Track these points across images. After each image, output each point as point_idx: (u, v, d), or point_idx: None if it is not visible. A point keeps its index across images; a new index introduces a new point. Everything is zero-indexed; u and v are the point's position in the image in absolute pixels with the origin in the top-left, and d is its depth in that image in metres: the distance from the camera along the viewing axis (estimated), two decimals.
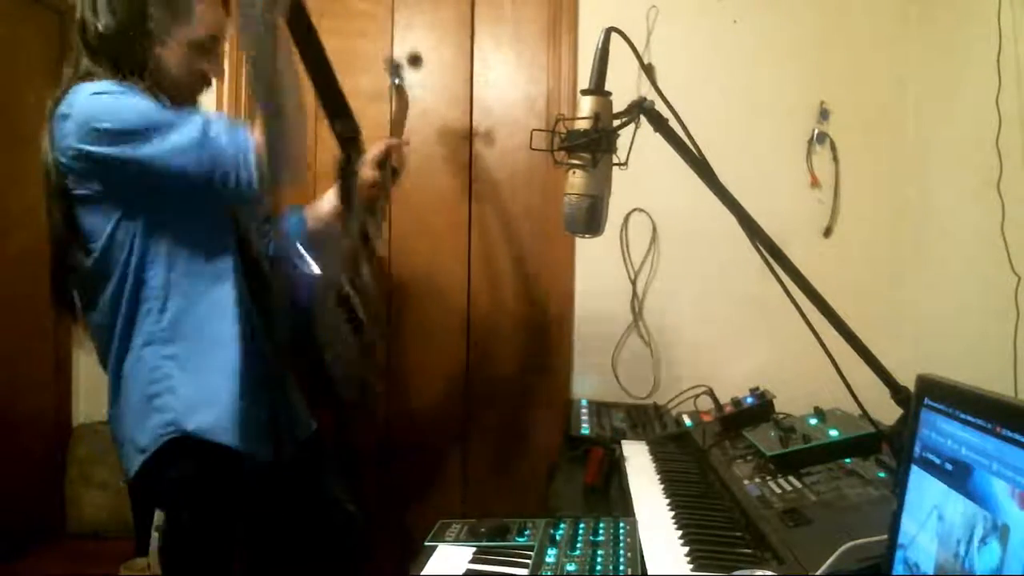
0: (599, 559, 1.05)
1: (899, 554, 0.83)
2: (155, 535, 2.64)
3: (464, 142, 2.43)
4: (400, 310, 2.47)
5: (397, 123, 1.78)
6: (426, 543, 1.15)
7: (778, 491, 1.27)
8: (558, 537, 1.13)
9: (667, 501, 1.33)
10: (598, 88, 1.18)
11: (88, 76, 1.29)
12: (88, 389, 3.42)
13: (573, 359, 2.35)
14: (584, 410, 2.01)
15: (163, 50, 1.33)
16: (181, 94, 1.38)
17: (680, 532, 1.17)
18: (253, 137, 1.26)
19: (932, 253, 2.13)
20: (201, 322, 1.35)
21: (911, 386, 0.90)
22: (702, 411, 1.91)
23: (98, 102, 1.25)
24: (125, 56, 1.30)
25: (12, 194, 3.04)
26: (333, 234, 1.62)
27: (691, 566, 1.05)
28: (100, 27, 1.29)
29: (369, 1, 2.43)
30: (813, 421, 1.54)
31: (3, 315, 3.01)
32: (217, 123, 1.27)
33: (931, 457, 0.80)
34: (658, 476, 1.49)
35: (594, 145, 1.16)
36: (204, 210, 1.36)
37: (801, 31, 2.24)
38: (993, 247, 1.73)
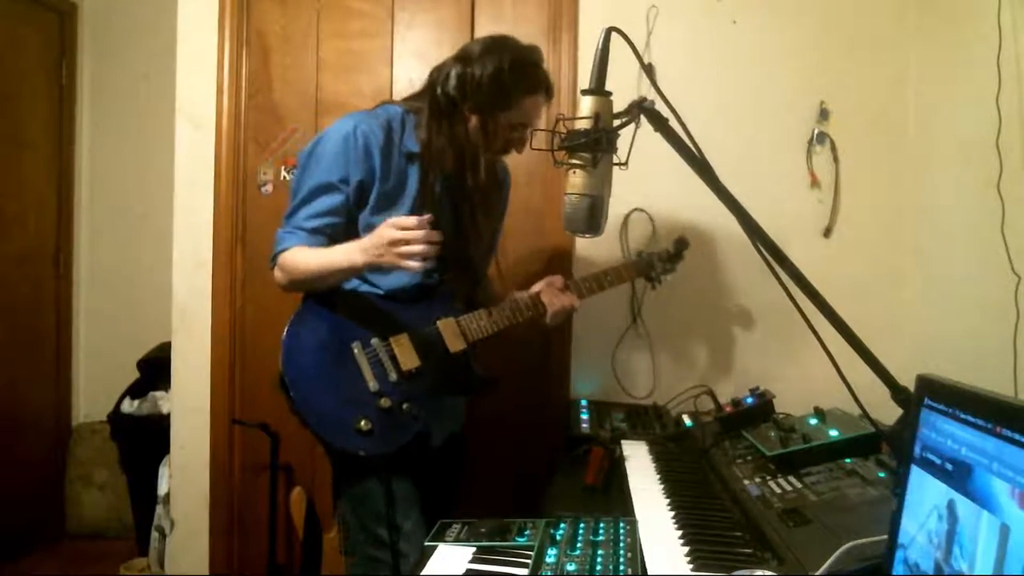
0: (599, 559, 1.05)
1: (899, 554, 0.83)
2: (155, 535, 2.64)
3: None
4: None
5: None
6: (426, 543, 1.15)
7: (778, 491, 1.27)
8: (558, 537, 1.13)
9: (667, 501, 1.33)
10: (598, 88, 1.18)
11: (413, 112, 1.65)
12: (88, 389, 3.42)
13: (573, 359, 2.35)
14: (584, 410, 2.01)
15: (480, 120, 1.60)
16: (491, 153, 1.67)
17: (680, 532, 1.17)
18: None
19: (932, 253, 2.13)
20: None
21: (911, 386, 0.90)
22: (702, 411, 1.91)
23: None
24: (457, 119, 1.60)
25: (12, 195, 3.05)
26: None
27: (691, 566, 1.05)
28: (448, 95, 1.59)
29: (369, 1, 2.42)
30: (813, 421, 1.54)
31: (3, 315, 3.02)
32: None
33: (931, 457, 0.80)
34: (658, 476, 1.49)
35: (594, 145, 1.16)
36: None
37: (801, 31, 2.24)
38: (993, 247, 1.73)
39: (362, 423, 1.48)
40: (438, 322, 1.61)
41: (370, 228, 1.56)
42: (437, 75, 1.62)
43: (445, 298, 1.66)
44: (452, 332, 1.61)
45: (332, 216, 1.57)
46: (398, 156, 1.60)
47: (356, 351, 1.54)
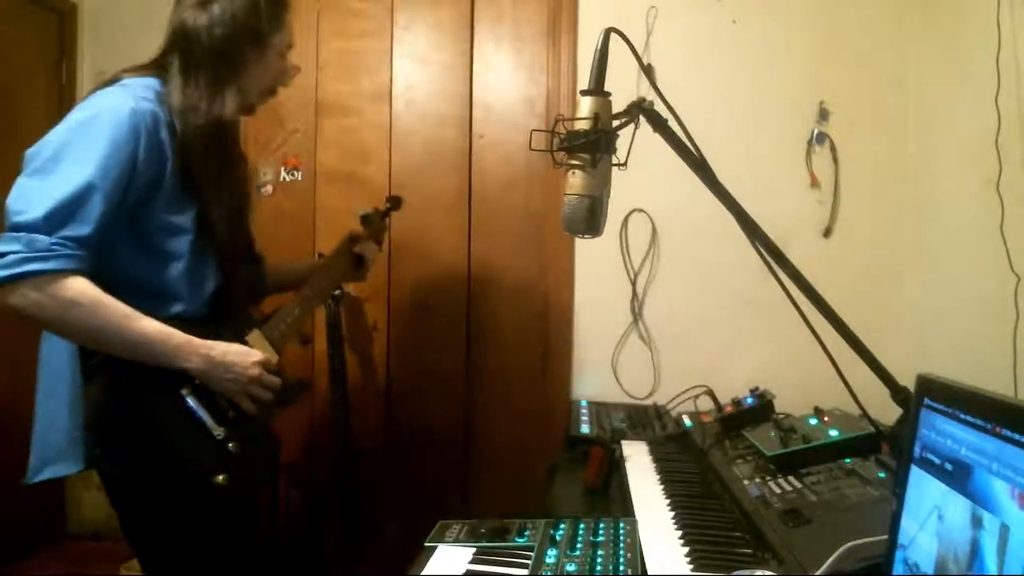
0: (599, 559, 1.05)
1: (899, 554, 0.83)
2: None
3: (464, 143, 2.43)
4: (400, 311, 2.47)
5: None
6: (426, 543, 1.15)
7: (778, 491, 1.27)
8: (558, 537, 1.13)
9: (667, 501, 1.33)
10: (598, 88, 1.17)
11: (162, 79, 1.34)
12: None
13: (573, 359, 2.35)
14: (584, 410, 2.01)
15: (253, 54, 1.39)
16: (261, 96, 1.46)
17: (680, 532, 1.18)
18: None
19: (932, 253, 2.13)
20: None
21: (911, 386, 0.90)
22: (702, 411, 1.90)
23: None
24: (227, 62, 1.36)
25: None
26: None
27: (691, 566, 1.05)
28: (213, 36, 1.33)
29: (369, 1, 2.43)
30: (813, 421, 1.54)
31: (2, 315, 3.01)
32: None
33: (931, 457, 0.80)
34: (658, 476, 1.49)
35: (594, 145, 1.16)
36: None
37: (801, 31, 2.24)
38: (993, 247, 1.73)
39: (220, 478, 1.30)
40: (247, 337, 1.41)
41: (168, 228, 1.32)
42: (190, 25, 1.34)
43: (238, 305, 1.47)
44: (263, 345, 1.44)
45: (106, 224, 1.23)
46: (174, 137, 1.32)
47: (186, 394, 1.32)
